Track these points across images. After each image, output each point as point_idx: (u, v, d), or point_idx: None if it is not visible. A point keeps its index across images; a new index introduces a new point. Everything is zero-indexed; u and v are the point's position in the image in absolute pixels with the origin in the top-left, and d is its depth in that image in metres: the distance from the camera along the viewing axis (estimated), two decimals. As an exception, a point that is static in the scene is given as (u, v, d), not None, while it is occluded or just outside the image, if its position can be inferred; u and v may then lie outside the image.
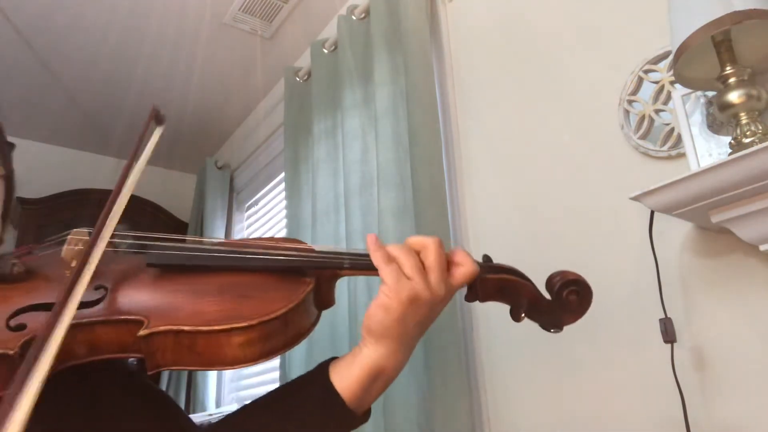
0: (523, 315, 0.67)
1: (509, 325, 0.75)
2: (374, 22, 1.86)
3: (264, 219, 2.84)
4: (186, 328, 0.57)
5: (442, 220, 1.56)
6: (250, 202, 3.02)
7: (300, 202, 2.13)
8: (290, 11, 2.32)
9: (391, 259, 0.62)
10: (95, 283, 0.62)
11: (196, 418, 1.76)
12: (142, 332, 0.57)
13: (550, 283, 0.67)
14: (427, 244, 0.64)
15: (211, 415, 1.79)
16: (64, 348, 0.50)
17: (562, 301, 0.66)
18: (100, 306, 0.61)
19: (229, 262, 0.66)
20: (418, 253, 0.64)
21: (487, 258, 0.71)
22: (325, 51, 2.15)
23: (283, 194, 2.40)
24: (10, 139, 0.80)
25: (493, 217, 1.53)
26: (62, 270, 0.65)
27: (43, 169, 3.02)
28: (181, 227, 3.19)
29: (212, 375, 2.64)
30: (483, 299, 0.68)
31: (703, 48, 0.98)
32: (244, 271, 0.65)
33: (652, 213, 1.06)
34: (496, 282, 0.67)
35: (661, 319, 1.06)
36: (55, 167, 3.08)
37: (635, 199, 0.97)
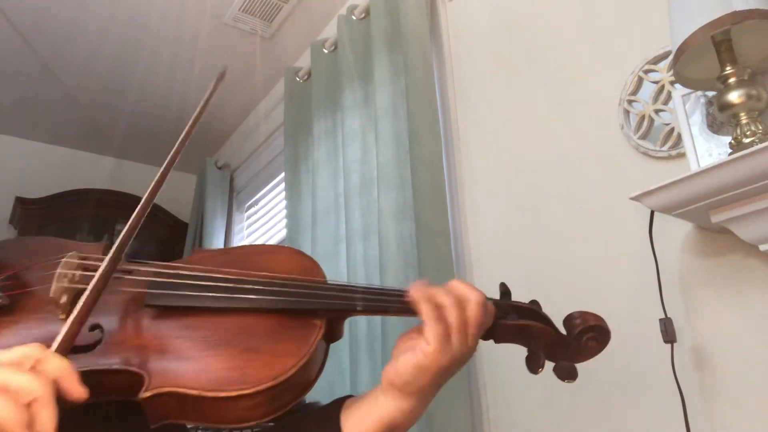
0: (540, 369, 0.63)
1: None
2: (374, 22, 1.86)
3: (264, 219, 2.84)
4: (191, 392, 0.54)
5: (442, 220, 1.56)
6: (250, 202, 3.02)
7: (300, 202, 2.13)
8: (290, 11, 2.32)
9: (441, 318, 0.57)
10: (90, 322, 0.58)
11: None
12: (143, 394, 0.54)
13: (569, 323, 0.65)
14: (471, 299, 0.59)
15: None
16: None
17: (580, 345, 0.64)
18: (97, 351, 0.57)
19: (235, 304, 0.62)
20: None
21: (504, 289, 0.68)
22: (325, 51, 2.15)
23: (283, 194, 2.40)
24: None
25: (492, 217, 1.53)
26: (50, 305, 0.60)
27: (43, 169, 3.02)
28: (181, 227, 3.19)
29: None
30: (498, 341, 0.64)
31: (703, 48, 0.98)
32: (251, 312, 0.62)
33: (652, 213, 1.06)
34: (514, 328, 0.64)
35: (661, 319, 1.06)
36: (55, 167, 3.07)
37: (635, 199, 0.97)
